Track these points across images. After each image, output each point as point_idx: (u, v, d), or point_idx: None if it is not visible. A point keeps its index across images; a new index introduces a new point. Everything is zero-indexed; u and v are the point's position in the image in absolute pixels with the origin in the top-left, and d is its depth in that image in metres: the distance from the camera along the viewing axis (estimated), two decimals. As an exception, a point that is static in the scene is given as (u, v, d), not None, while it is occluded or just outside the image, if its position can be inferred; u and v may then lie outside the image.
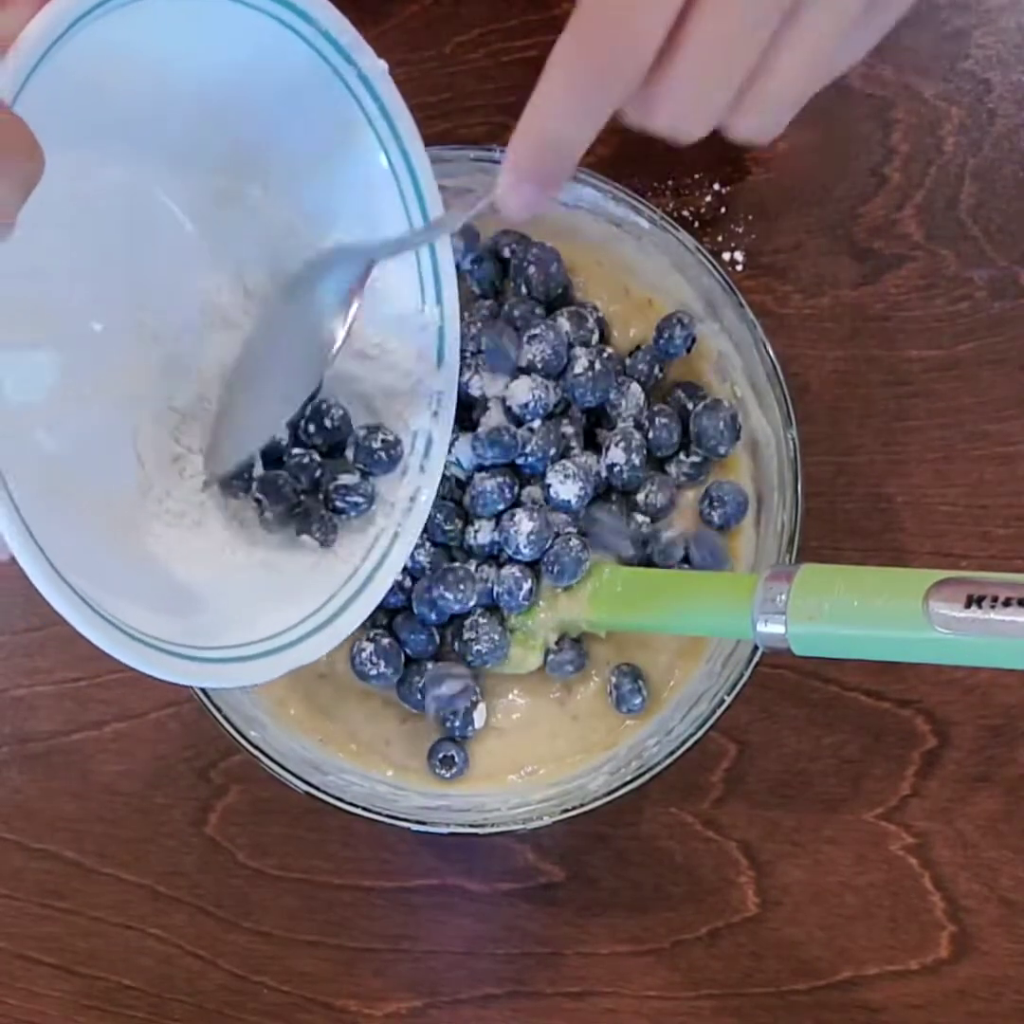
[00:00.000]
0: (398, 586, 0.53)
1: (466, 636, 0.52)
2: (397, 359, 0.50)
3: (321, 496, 0.51)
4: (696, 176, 0.60)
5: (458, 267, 0.53)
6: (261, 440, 0.49)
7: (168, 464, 0.47)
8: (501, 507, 0.52)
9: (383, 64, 0.46)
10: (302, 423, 0.51)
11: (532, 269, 0.54)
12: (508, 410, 0.53)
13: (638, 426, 0.54)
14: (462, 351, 0.54)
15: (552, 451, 0.52)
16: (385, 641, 0.53)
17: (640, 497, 0.54)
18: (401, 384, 0.50)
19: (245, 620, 0.46)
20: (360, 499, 0.50)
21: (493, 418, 0.53)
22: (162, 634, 0.41)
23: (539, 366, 0.52)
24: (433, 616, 0.52)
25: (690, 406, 0.54)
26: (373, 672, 0.52)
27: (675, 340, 0.54)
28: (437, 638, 0.54)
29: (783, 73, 0.38)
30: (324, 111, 0.46)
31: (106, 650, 0.39)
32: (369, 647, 0.52)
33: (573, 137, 0.38)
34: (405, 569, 0.52)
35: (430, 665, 0.53)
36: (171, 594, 0.45)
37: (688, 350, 0.55)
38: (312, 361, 0.46)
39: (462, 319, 0.54)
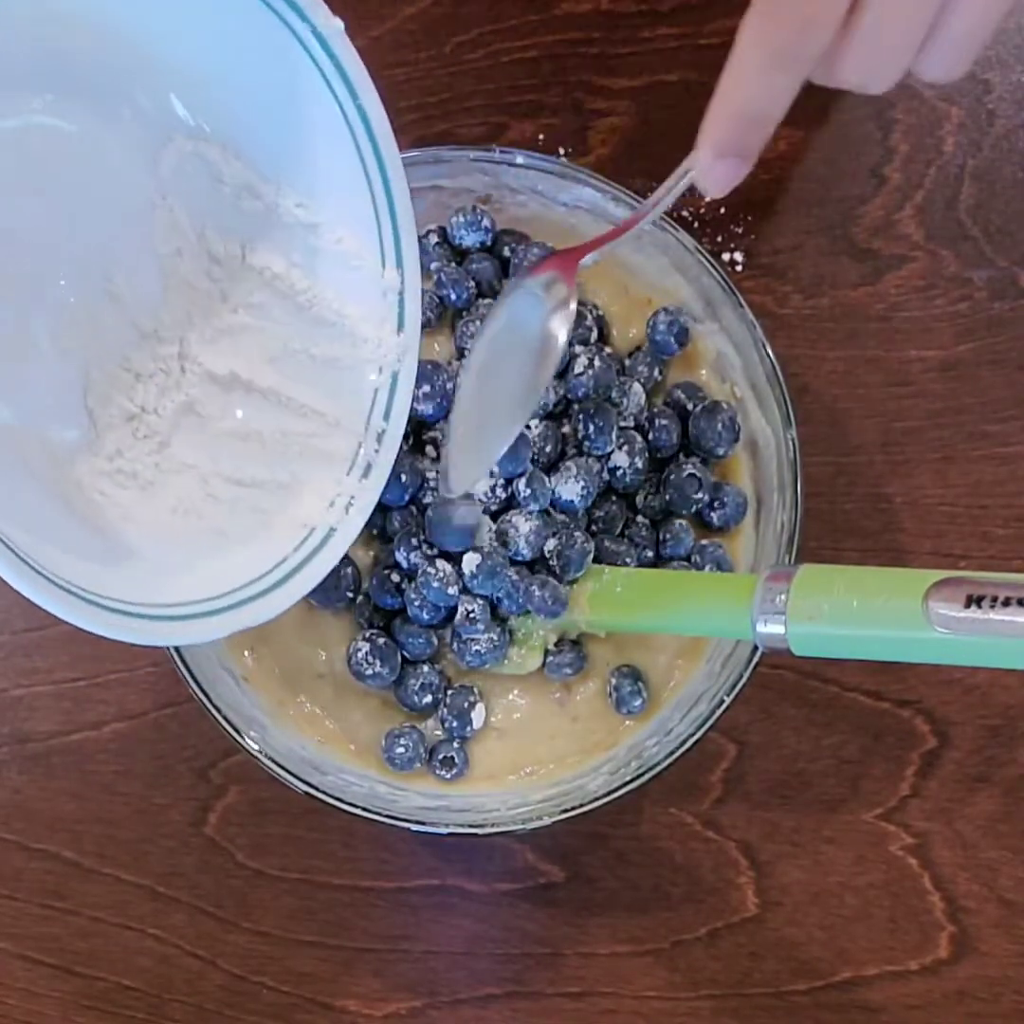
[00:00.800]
0: (396, 587, 0.53)
1: (465, 637, 0.52)
2: (356, 324, 0.50)
3: None
4: (696, 176, 0.60)
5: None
6: (496, 456, 0.50)
7: (122, 424, 0.47)
8: (494, 508, 0.52)
9: (339, 23, 0.45)
10: None
11: (532, 269, 0.54)
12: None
13: (638, 428, 0.54)
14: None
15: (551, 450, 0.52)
16: (381, 641, 0.52)
17: (639, 499, 0.54)
18: (361, 350, 0.50)
19: (195, 579, 0.45)
20: None
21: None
22: (107, 591, 0.41)
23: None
24: (426, 616, 0.52)
25: (690, 407, 0.54)
26: (369, 672, 0.52)
27: (659, 327, 0.54)
28: (435, 640, 0.53)
29: (965, 10, 0.38)
30: (280, 70, 0.46)
31: (39, 602, 0.38)
32: (365, 646, 0.52)
33: (770, 108, 0.39)
34: (402, 570, 0.52)
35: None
36: (118, 552, 0.44)
37: (681, 344, 0.54)
38: (536, 374, 0.48)
39: (461, 317, 0.55)
